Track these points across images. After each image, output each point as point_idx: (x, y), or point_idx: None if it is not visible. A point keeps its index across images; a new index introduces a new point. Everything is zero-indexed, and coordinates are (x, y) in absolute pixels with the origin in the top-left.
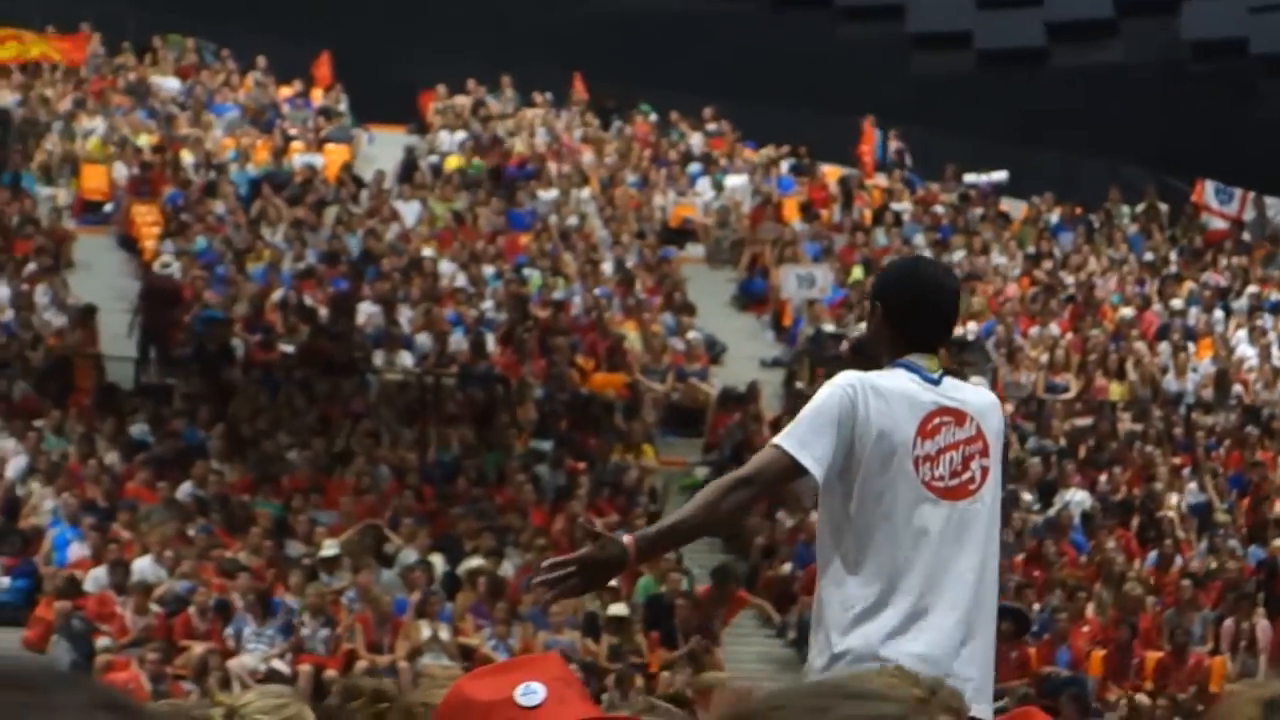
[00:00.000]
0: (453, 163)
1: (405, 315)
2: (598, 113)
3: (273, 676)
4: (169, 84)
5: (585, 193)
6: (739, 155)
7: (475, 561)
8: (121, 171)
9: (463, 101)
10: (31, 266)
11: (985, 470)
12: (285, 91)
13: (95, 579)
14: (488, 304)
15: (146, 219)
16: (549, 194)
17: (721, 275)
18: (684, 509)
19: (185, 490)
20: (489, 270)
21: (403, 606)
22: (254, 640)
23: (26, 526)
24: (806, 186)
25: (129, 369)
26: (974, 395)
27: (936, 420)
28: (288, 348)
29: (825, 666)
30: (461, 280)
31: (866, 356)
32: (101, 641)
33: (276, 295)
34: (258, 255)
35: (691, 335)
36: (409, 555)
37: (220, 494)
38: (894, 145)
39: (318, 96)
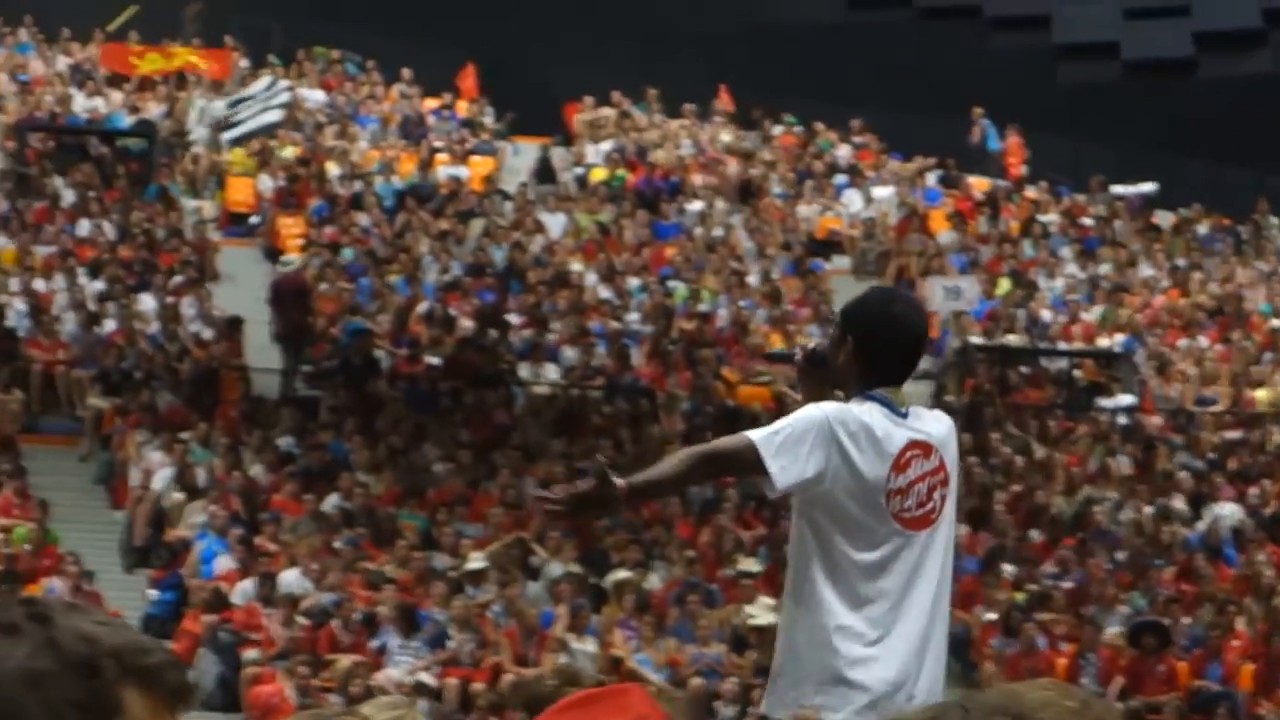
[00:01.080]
0: (598, 174)
1: (551, 327)
2: (743, 124)
3: (419, 690)
4: (314, 96)
5: (730, 204)
6: (886, 166)
7: (622, 574)
8: (267, 183)
9: (608, 113)
10: (178, 279)
11: (944, 499)
12: (431, 103)
13: (242, 591)
14: (633, 316)
15: (292, 231)
16: (694, 206)
17: (868, 287)
18: (663, 467)
19: (331, 502)
20: (634, 282)
21: (549, 619)
22: (400, 653)
23: (173, 539)
24: (953, 198)
25: (275, 381)
26: (935, 425)
27: (908, 455)
28: (433, 360)
29: (792, 685)
30: (607, 292)
31: (822, 369)
32: (248, 654)
33: (422, 307)
34: (402, 267)
35: None
36: (555, 568)
37: (366, 506)
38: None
39: (463, 108)
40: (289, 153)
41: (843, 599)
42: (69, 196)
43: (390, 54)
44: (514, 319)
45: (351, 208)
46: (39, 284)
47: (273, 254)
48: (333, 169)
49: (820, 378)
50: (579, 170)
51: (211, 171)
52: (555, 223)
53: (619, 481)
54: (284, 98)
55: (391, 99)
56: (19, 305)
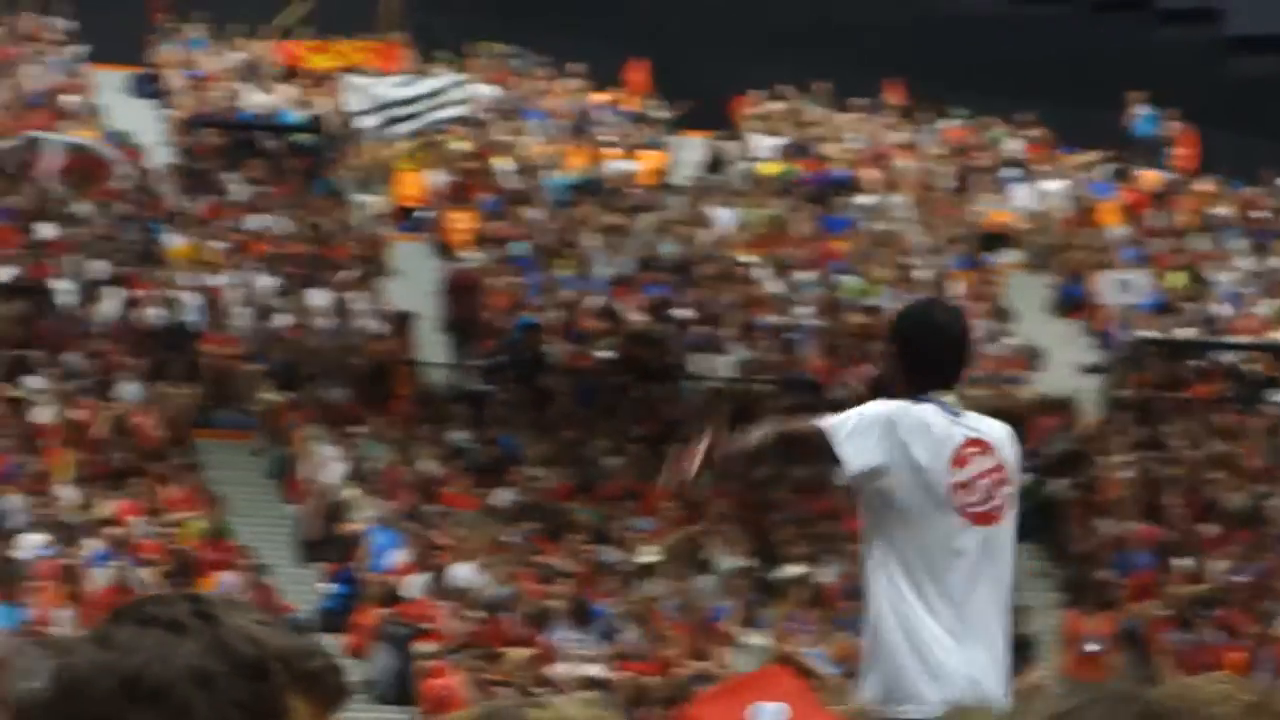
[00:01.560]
0: (767, 169)
1: (721, 321)
2: (913, 118)
3: (592, 683)
4: (483, 91)
5: (900, 198)
6: (1056, 160)
7: (793, 569)
8: (437, 178)
9: (777, 107)
10: (349, 273)
11: (1008, 499)
12: (599, 98)
13: (414, 585)
14: (803, 310)
15: (461, 225)
16: (864, 199)
17: (1039, 281)
18: (743, 441)
19: (503, 496)
20: (804, 276)
21: (721, 613)
22: (573, 647)
23: (346, 533)
24: (1124, 191)
25: (445, 375)
26: (993, 427)
27: (967, 450)
28: (604, 354)
29: (879, 680)
30: (776, 286)
31: (885, 397)
32: (421, 647)
33: (591, 302)
34: (572, 262)
35: (1009, 341)
36: (727, 562)
37: (538, 500)
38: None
39: (632, 103)
40: (458, 147)
41: (915, 592)
42: (241, 192)
43: (559, 49)
44: (683, 313)
45: (521, 202)
46: (212, 279)
47: (443, 249)
48: (502, 164)
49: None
50: (748, 164)
51: (381, 166)
52: (725, 217)
53: (716, 445)
54: (463, 92)
55: (560, 94)
56: (192, 300)
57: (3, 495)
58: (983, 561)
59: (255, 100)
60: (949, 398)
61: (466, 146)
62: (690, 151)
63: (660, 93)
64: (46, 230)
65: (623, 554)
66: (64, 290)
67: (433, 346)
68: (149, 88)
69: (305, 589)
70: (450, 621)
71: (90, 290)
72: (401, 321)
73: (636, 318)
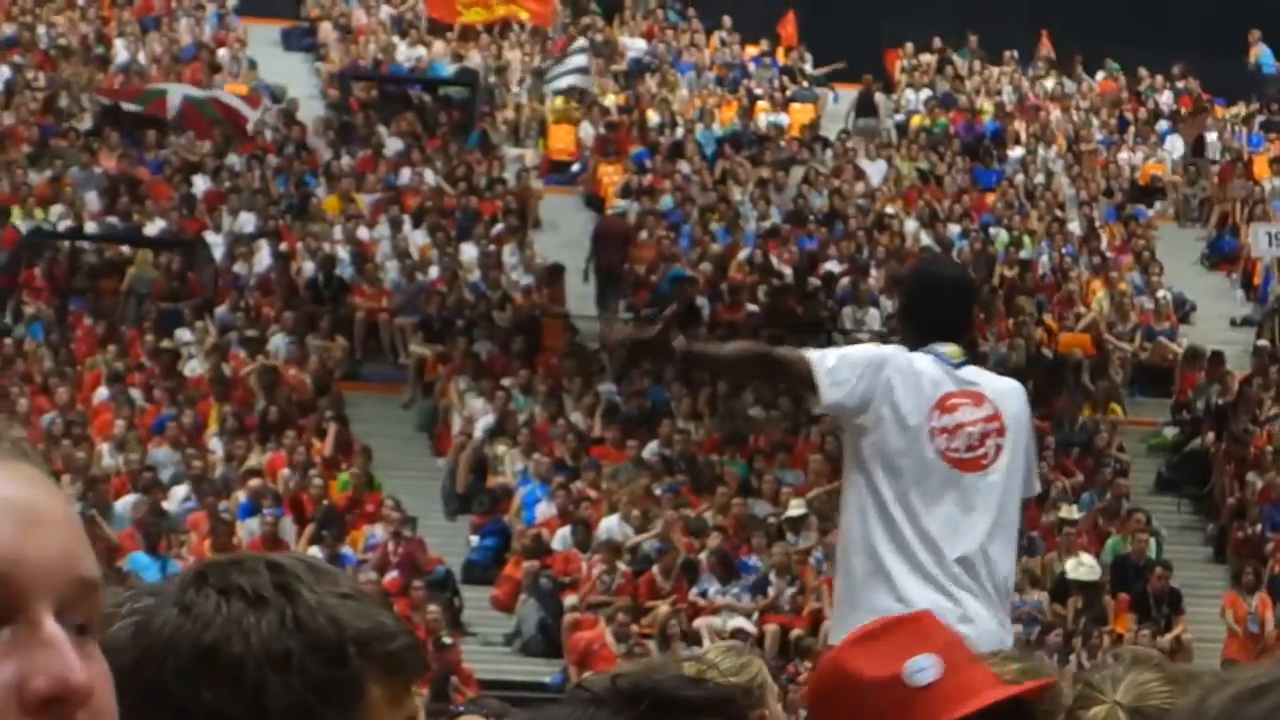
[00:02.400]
0: (918, 121)
1: (871, 274)
2: (1064, 69)
3: (739, 636)
4: (635, 44)
5: (1052, 151)
6: (1208, 111)
7: None
8: (588, 131)
9: (929, 59)
10: (499, 227)
11: (999, 449)
12: (751, 50)
13: (562, 538)
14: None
15: (613, 178)
16: (1015, 152)
17: (1190, 234)
18: (724, 348)
19: (652, 449)
20: (955, 229)
21: None
22: (720, 599)
23: (495, 486)
24: (1277, 142)
25: (596, 328)
26: (994, 381)
27: (955, 399)
28: (753, 307)
29: (845, 601)
30: (927, 239)
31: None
32: (569, 600)
33: (742, 254)
34: (722, 215)
35: (1160, 294)
36: None
37: (687, 453)
38: None
39: (782, 55)
40: (610, 100)
41: (889, 532)
42: (392, 145)
43: (710, 2)
44: (834, 266)
45: (672, 155)
46: (363, 232)
47: (593, 201)
48: (653, 117)
49: None
50: (899, 117)
51: (533, 119)
52: (875, 170)
53: (679, 339)
54: (580, 60)
55: (712, 46)
56: (343, 253)
57: (153, 448)
58: (966, 508)
59: (407, 54)
60: (949, 349)
61: (618, 100)
62: (841, 104)
63: (811, 45)
64: (199, 184)
65: (771, 507)
66: (215, 243)
67: (582, 299)
68: (301, 41)
69: (455, 542)
70: (598, 575)
71: (242, 243)
72: (551, 274)
73: (787, 271)
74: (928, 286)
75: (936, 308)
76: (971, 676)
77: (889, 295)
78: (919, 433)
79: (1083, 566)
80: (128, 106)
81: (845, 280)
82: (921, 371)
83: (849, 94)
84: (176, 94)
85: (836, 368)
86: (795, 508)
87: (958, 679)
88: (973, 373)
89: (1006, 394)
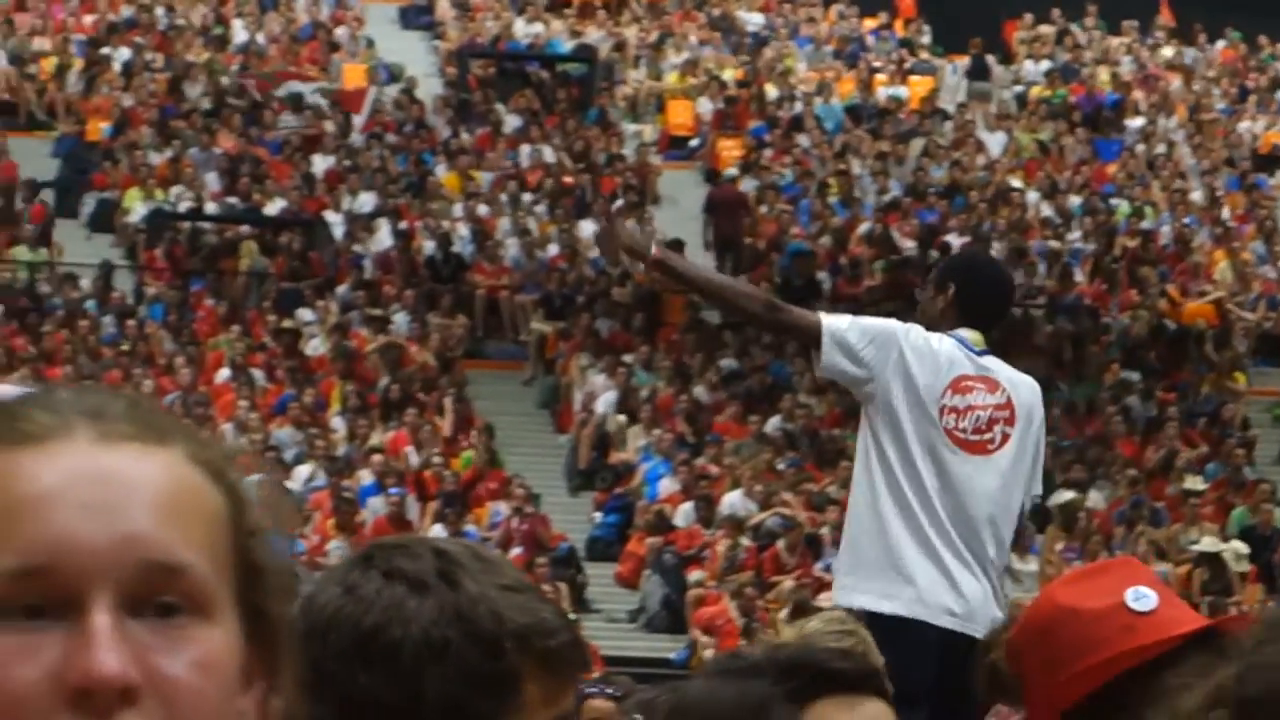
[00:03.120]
0: (1037, 92)
1: (992, 246)
2: (1185, 39)
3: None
4: (753, 18)
5: (1172, 121)
6: None
7: (1065, 495)
8: (706, 106)
9: (1047, 30)
10: (619, 202)
11: (1007, 436)
12: (869, 23)
13: (685, 513)
14: (1074, 234)
15: (731, 153)
16: (1135, 123)
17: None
18: (720, 277)
19: (774, 424)
20: (1075, 200)
21: None
22: None
23: (617, 462)
24: None
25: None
26: (1011, 372)
27: (969, 382)
28: (874, 281)
29: (853, 563)
30: (1048, 210)
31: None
32: (693, 575)
33: (862, 229)
34: (841, 188)
35: None
36: None
37: (809, 428)
38: None
39: (901, 28)
40: (728, 75)
41: (896, 500)
42: (511, 122)
43: None
44: (954, 239)
45: (790, 129)
46: (482, 209)
47: (712, 176)
48: (772, 91)
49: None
50: (1018, 88)
51: (651, 95)
52: (995, 141)
53: (655, 249)
54: None
55: (830, 19)
56: (463, 231)
57: (276, 427)
58: (972, 490)
59: (525, 31)
60: (973, 335)
61: (736, 74)
62: (960, 76)
63: (928, 17)
64: (318, 163)
65: None
66: (335, 223)
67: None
68: (419, 19)
69: (578, 518)
70: (721, 550)
71: (362, 222)
72: (673, 250)
73: (907, 244)
74: (978, 277)
75: (987, 303)
76: (1181, 607)
77: (1010, 266)
78: (929, 409)
79: (1209, 544)
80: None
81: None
82: (939, 351)
83: (968, 66)
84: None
85: (846, 332)
86: None
87: (1172, 607)
88: (992, 361)
89: (1022, 386)
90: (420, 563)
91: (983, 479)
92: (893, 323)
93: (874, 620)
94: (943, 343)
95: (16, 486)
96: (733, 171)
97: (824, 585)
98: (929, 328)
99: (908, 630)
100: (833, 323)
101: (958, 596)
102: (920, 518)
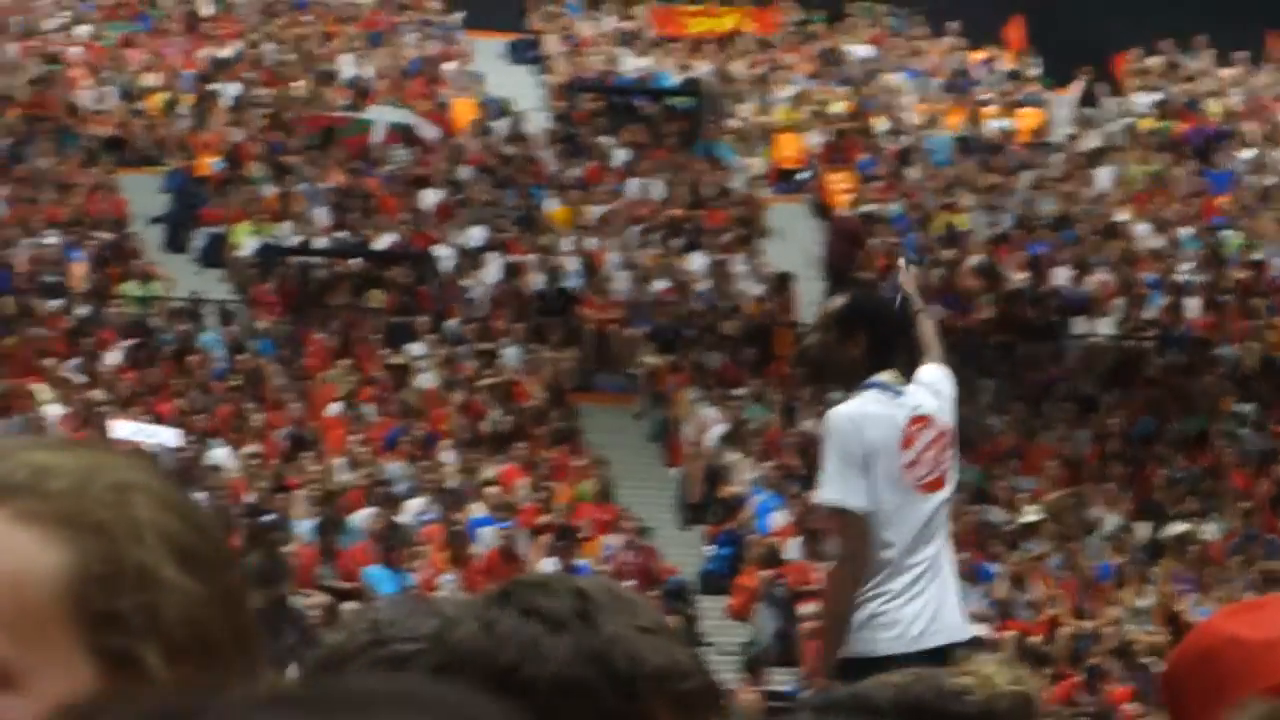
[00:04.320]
0: (1146, 124)
1: (1102, 279)
2: None
3: (975, 643)
4: (860, 51)
5: None
6: None
7: (1178, 527)
8: (815, 139)
9: (1156, 62)
10: (727, 236)
11: (949, 457)
12: (978, 56)
13: (796, 547)
14: (1185, 266)
15: (840, 186)
16: (1246, 154)
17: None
18: (838, 619)
19: None
20: (1185, 232)
21: (1106, 572)
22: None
23: (728, 495)
24: None
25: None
26: (925, 393)
27: (912, 428)
28: (984, 314)
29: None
30: (1158, 242)
31: (815, 367)
32: (805, 609)
33: (971, 261)
34: (950, 221)
35: None
36: (1111, 521)
37: None
38: None
39: (1009, 60)
40: (836, 108)
41: (878, 564)
42: (618, 156)
43: (936, 8)
44: (1063, 271)
45: (899, 162)
46: (591, 243)
47: (821, 209)
48: (880, 124)
49: (816, 377)
50: (1128, 120)
51: (760, 128)
52: (1104, 173)
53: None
54: None
55: (938, 52)
56: (572, 264)
57: (387, 461)
58: (935, 520)
59: (633, 64)
60: (888, 376)
61: (845, 107)
62: (1068, 109)
63: (1037, 49)
64: (428, 197)
65: (1006, 514)
66: (445, 256)
67: (813, 307)
68: (527, 54)
69: (688, 551)
70: None
71: (471, 256)
72: (781, 283)
73: (1016, 276)
74: (884, 319)
75: (890, 338)
76: None
77: (1120, 298)
78: (896, 475)
79: None
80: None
81: (1075, 285)
82: (879, 417)
83: (1076, 98)
84: (381, 123)
85: (854, 488)
86: (1031, 514)
87: None
88: (912, 393)
89: (940, 395)
90: (558, 601)
91: (942, 509)
92: (845, 434)
93: (861, 665)
94: (876, 404)
95: None
96: (871, 208)
97: None
98: (845, 376)
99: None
100: (831, 496)
101: (939, 632)
102: (903, 568)
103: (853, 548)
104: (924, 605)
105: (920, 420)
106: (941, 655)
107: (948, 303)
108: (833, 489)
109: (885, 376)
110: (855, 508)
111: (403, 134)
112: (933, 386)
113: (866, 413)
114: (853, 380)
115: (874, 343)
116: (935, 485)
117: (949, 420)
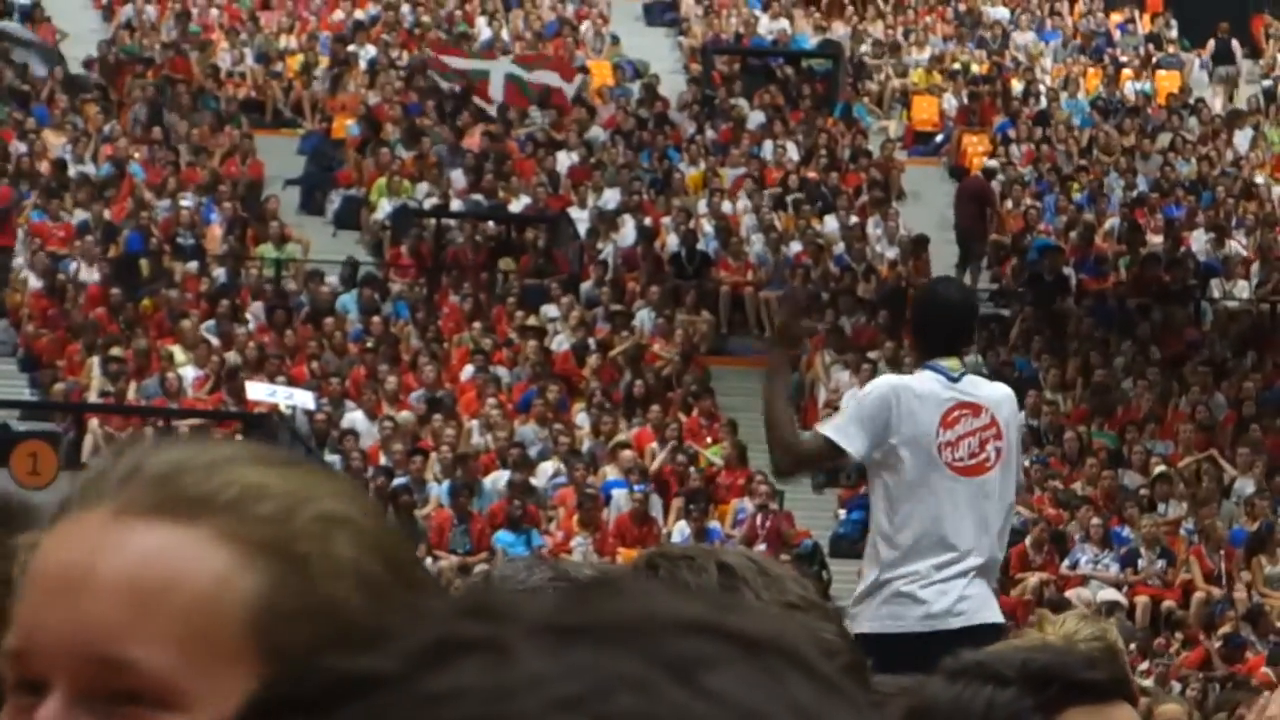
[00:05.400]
0: None
1: (1239, 242)
2: None
3: (1109, 608)
4: (997, 12)
5: None
6: None
7: None
8: (951, 102)
9: None
10: (863, 199)
11: (1000, 451)
12: (1115, 18)
13: None
14: None
15: (977, 149)
16: None
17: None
18: (783, 414)
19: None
20: None
21: (1240, 537)
22: (1091, 570)
23: None
24: None
25: None
26: (989, 390)
27: (956, 413)
28: (1121, 276)
29: (867, 592)
30: None
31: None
32: None
33: (1108, 224)
34: (1088, 184)
35: None
36: (1246, 485)
37: (1055, 424)
38: None
39: (1147, 22)
40: (973, 70)
41: (907, 539)
42: (754, 119)
43: None
44: (1201, 234)
45: (1036, 124)
46: (726, 206)
47: (957, 172)
48: (1017, 85)
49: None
50: (1266, 83)
51: (896, 91)
52: (1242, 137)
53: (777, 357)
54: None
55: (1076, 14)
56: (707, 227)
57: (520, 424)
58: (972, 505)
59: (769, 27)
60: (950, 363)
61: (981, 69)
62: (1206, 71)
63: (1175, 11)
64: (562, 160)
65: (1141, 478)
66: (580, 219)
67: (947, 270)
68: (663, 16)
69: (823, 515)
70: None
71: (606, 219)
72: (916, 246)
73: (1154, 239)
74: (935, 308)
75: (942, 327)
76: None
77: (1257, 262)
78: (929, 450)
79: None
80: (446, 84)
81: (1213, 249)
82: (924, 395)
83: (1214, 61)
84: (499, 73)
85: (853, 426)
86: (1163, 474)
87: None
88: (970, 383)
89: (1001, 401)
90: (703, 577)
91: (986, 496)
92: (883, 389)
93: (881, 641)
94: (924, 382)
95: (35, 562)
96: (992, 164)
97: (1070, 582)
98: (914, 361)
99: (914, 644)
100: (836, 430)
101: (957, 614)
102: (929, 549)
103: (812, 455)
104: (950, 588)
105: (967, 406)
106: (967, 637)
107: (1085, 266)
108: (833, 427)
109: (946, 362)
110: (846, 448)
111: (536, 96)
112: (997, 390)
113: (910, 385)
114: (914, 356)
115: (921, 335)
116: (973, 471)
117: (1004, 421)
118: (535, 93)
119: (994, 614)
